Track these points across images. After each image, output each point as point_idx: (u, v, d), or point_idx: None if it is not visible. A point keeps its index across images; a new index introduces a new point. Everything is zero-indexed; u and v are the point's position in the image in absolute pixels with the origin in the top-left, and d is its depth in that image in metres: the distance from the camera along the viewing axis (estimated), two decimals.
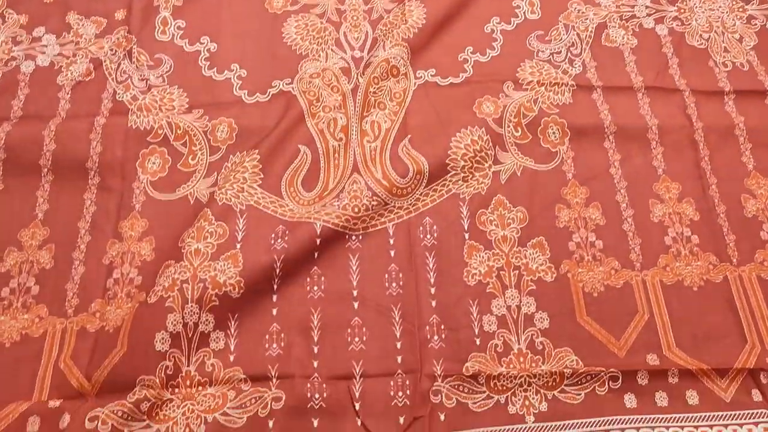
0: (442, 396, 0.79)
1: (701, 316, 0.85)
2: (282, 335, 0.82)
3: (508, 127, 0.97)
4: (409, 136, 0.94)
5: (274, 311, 0.83)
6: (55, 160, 0.92)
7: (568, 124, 0.97)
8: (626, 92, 1.01)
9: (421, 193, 0.91)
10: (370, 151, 0.93)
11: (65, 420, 0.75)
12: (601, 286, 0.86)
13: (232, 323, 0.82)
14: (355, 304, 0.84)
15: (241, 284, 0.81)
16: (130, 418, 0.75)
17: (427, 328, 0.83)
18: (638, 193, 0.93)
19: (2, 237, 0.88)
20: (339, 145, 0.93)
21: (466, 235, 0.89)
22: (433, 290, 0.85)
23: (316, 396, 0.78)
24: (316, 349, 0.81)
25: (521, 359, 0.81)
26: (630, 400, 0.80)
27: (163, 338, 0.78)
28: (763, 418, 0.79)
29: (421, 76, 1.00)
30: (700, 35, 1.07)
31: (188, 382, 0.78)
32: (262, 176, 0.90)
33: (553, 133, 0.97)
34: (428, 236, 0.89)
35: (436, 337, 0.82)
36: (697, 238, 0.90)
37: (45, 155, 0.92)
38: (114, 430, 0.74)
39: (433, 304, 0.84)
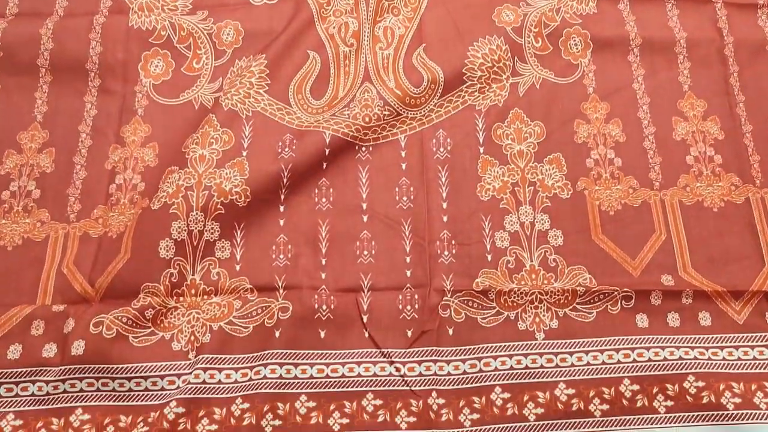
0: (451, 310, 0.77)
1: (719, 238, 0.82)
2: (289, 246, 0.80)
3: (528, 37, 0.92)
4: (423, 44, 0.90)
5: (282, 222, 0.81)
6: (53, 61, 0.88)
7: (591, 36, 0.92)
8: (655, 2, 0.95)
9: (436, 104, 0.87)
10: (383, 58, 0.89)
11: (70, 324, 0.74)
12: (618, 204, 0.84)
13: (238, 232, 0.80)
14: (364, 218, 0.82)
15: (248, 193, 0.79)
16: (134, 324, 0.74)
17: (438, 242, 0.80)
18: (661, 109, 0.89)
19: (1, 138, 0.85)
20: (350, 51, 0.89)
21: (481, 149, 0.86)
22: (444, 205, 0.83)
23: (324, 307, 0.77)
24: (323, 261, 0.79)
25: (533, 276, 0.79)
26: (642, 319, 0.78)
27: (167, 246, 0.76)
28: None
29: None
30: None
31: (193, 291, 0.77)
32: (269, 82, 0.86)
33: (575, 44, 0.92)
34: (441, 149, 0.85)
35: (446, 252, 0.80)
36: (720, 158, 0.87)
37: (42, 55, 0.88)
38: (118, 335, 0.73)
39: (445, 218, 0.82)
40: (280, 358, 0.74)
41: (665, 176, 0.86)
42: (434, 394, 0.74)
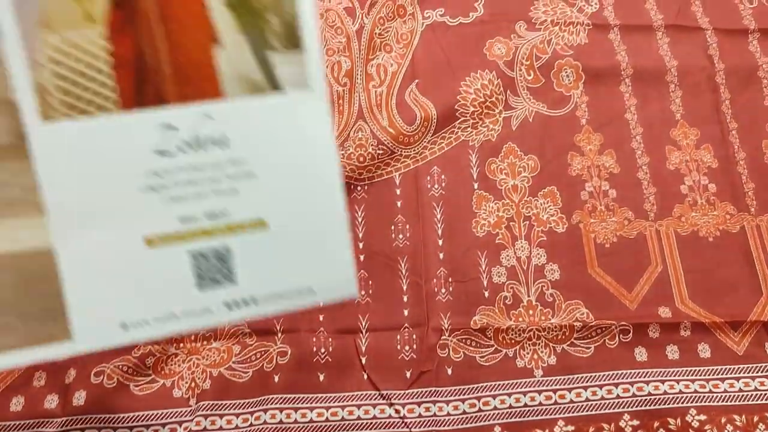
0: (449, 350, 0.78)
1: (716, 268, 0.83)
2: None
3: (520, 70, 0.93)
4: (416, 80, 0.91)
5: None
6: None
7: (582, 67, 0.93)
8: (645, 31, 0.96)
9: (429, 141, 0.88)
10: (376, 96, 0.90)
11: (71, 375, 0.75)
12: (614, 236, 0.84)
13: None
14: (361, 257, 0.82)
15: None
16: (135, 372, 0.75)
17: (435, 280, 0.81)
18: (654, 139, 0.90)
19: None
20: (343, 91, 0.90)
21: (476, 185, 0.86)
22: (440, 242, 0.83)
23: (322, 350, 0.77)
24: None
25: (531, 312, 0.80)
26: (640, 353, 0.78)
27: None
28: None
29: (429, 16, 0.96)
30: None
31: (193, 337, 0.77)
32: None
33: (567, 76, 0.93)
34: (436, 186, 0.86)
35: (443, 290, 0.80)
36: (714, 186, 0.87)
37: None
38: (119, 384, 0.74)
39: (441, 256, 0.82)
40: (280, 403, 0.75)
41: (660, 207, 0.86)
42: None
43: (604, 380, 0.77)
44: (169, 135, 0.49)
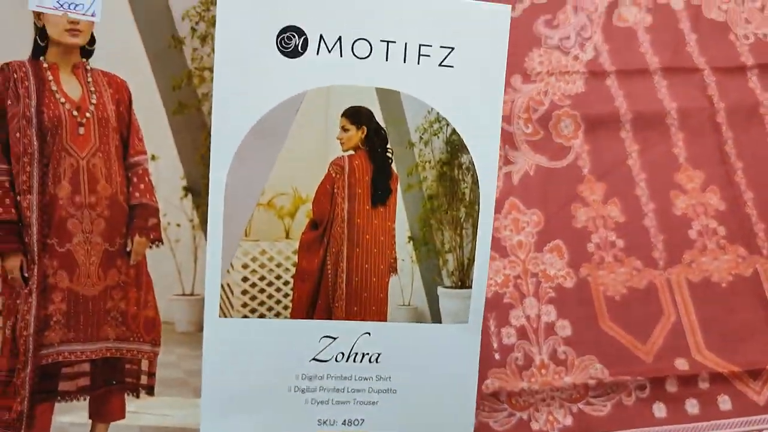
0: None
1: (731, 314, 0.81)
2: None
3: (518, 123, 0.92)
4: None
5: None
6: None
7: (581, 116, 0.93)
8: (642, 75, 0.96)
9: None
10: None
11: None
12: (624, 288, 0.83)
13: None
14: None
15: None
16: None
17: None
18: (659, 184, 0.89)
19: None
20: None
21: None
22: None
23: None
24: None
25: (543, 371, 0.78)
26: (659, 409, 0.77)
27: None
28: None
29: None
30: (719, 7, 1.01)
31: None
32: None
33: (566, 126, 0.93)
34: None
35: None
36: (723, 229, 0.86)
37: None
38: None
39: None
40: None
41: (669, 254, 0.85)
42: None
43: None
44: (329, 345, 0.53)
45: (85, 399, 0.66)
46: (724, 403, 0.77)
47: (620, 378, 0.77)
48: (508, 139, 0.91)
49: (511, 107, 0.93)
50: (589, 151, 0.91)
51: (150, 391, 0.65)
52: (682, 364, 0.78)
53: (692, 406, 0.77)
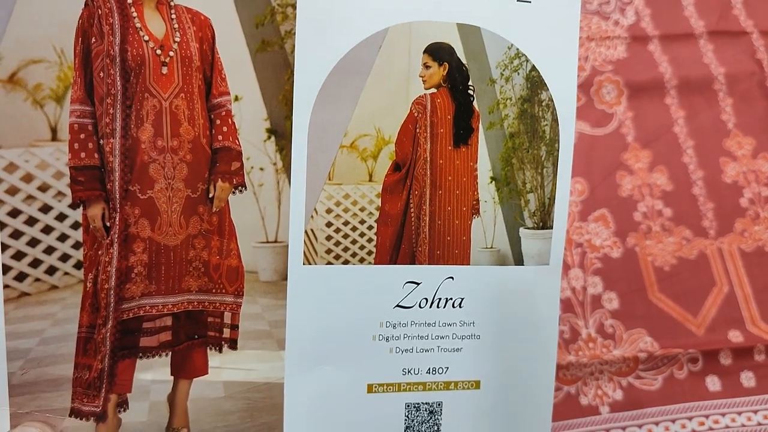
0: None
1: None
2: None
3: None
4: None
5: None
6: None
7: (624, 82, 0.89)
8: (687, 40, 0.92)
9: None
10: None
11: None
12: (673, 258, 0.79)
13: None
14: None
15: None
16: None
17: None
18: (707, 151, 0.85)
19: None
20: None
21: None
22: None
23: None
24: None
25: (590, 345, 0.75)
26: (713, 382, 0.74)
27: None
28: None
29: None
30: None
31: None
32: None
33: (608, 92, 0.89)
34: None
35: None
36: None
37: None
38: None
39: None
40: None
41: (720, 223, 0.81)
42: None
43: (676, 414, 0.72)
44: (413, 291, 0.53)
45: (167, 355, 0.63)
46: None
47: (671, 351, 0.74)
48: None
49: None
50: (633, 118, 0.88)
51: (233, 344, 0.62)
52: (736, 336, 0.75)
53: (748, 378, 0.74)
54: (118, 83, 0.60)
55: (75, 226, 0.62)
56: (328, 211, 0.58)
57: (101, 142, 0.60)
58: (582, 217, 0.82)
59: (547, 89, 0.60)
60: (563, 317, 0.77)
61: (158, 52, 0.61)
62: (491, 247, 0.56)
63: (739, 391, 0.73)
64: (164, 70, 0.61)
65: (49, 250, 0.62)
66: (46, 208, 0.61)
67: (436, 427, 0.53)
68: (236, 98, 0.62)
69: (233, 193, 0.62)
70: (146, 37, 0.61)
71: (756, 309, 0.76)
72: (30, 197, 0.60)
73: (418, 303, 0.52)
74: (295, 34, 0.56)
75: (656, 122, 0.87)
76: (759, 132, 0.86)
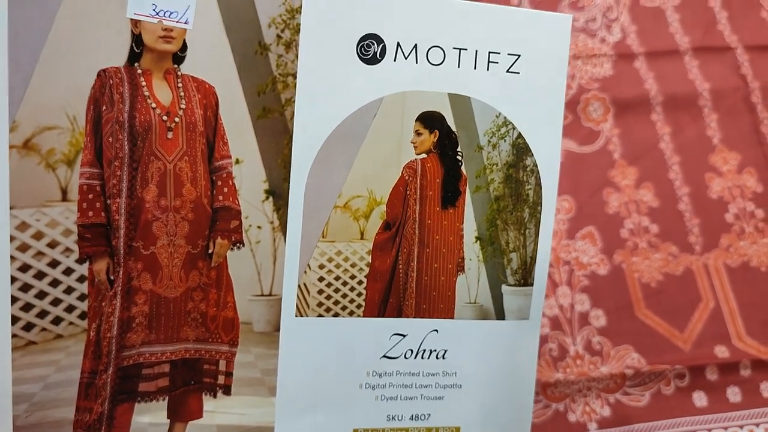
0: None
1: None
2: None
3: None
4: None
5: None
6: None
7: (610, 99, 0.90)
8: (672, 56, 0.93)
9: None
10: None
11: None
12: (660, 275, 0.81)
13: None
14: None
15: None
16: None
17: None
18: (693, 167, 0.86)
19: None
20: None
21: None
22: None
23: None
24: None
25: (578, 362, 0.77)
26: (699, 398, 0.75)
27: None
28: None
29: None
30: None
31: None
32: None
33: (595, 110, 0.90)
34: None
35: None
36: (762, 212, 0.83)
37: None
38: None
39: None
40: None
41: (705, 238, 0.82)
42: None
43: (664, 429, 0.73)
44: (399, 342, 0.56)
45: (164, 399, 0.66)
46: (767, 390, 0.74)
47: (658, 367, 0.75)
48: None
49: None
50: (620, 135, 0.89)
51: (227, 390, 0.66)
52: (722, 352, 0.76)
53: (734, 394, 0.75)
54: (126, 147, 0.63)
55: (81, 279, 0.65)
56: (321, 266, 0.61)
57: (108, 201, 0.63)
58: (569, 234, 0.83)
59: (532, 155, 0.63)
60: (551, 335, 0.78)
61: (164, 118, 0.64)
62: (474, 302, 0.59)
63: (726, 406, 0.74)
64: (170, 135, 0.64)
65: (56, 302, 0.64)
66: (54, 263, 0.64)
67: None
68: (237, 161, 0.66)
69: (231, 249, 0.65)
70: (153, 105, 0.64)
71: (741, 324, 0.77)
72: (40, 253, 0.63)
73: (403, 354, 0.55)
74: (294, 101, 0.59)
75: (642, 139, 0.89)
76: (744, 147, 0.87)
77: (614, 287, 0.80)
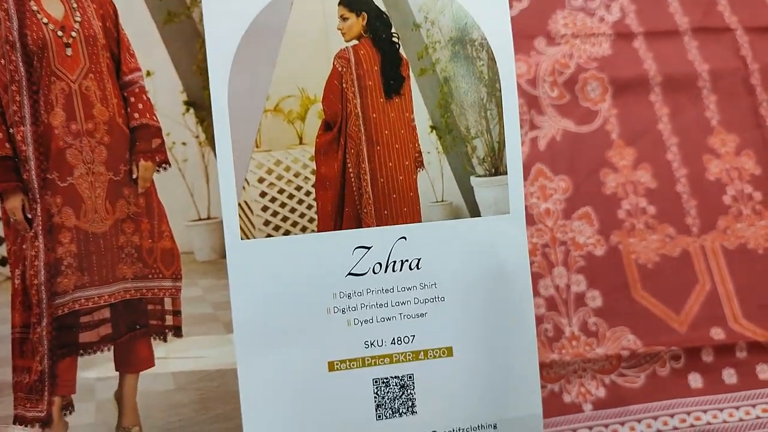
0: None
1: None
2: None
3: (543, 87, 0.89)
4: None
5: None
6: None
7: (608, 79, 0.89)
8: (671, 37, 0.92)
9: None
10: None
11: None
12: (656, 256, 0.80)
13: None
14: None
15: None
16: None
17: None
18: (691, 149, 0.86)
19: None
20: None
21: None
22: None
23: None
24: None
25: (574, 343, 0.76)
26: (695, 379, 0.74)
27: None
28: None
29: None
30: None
31: None
32: None
33: (593, 89, 0.89)
34: None
35: None
36: (759, 194, 0.83)
37: None
38: None
39: None
40: None
41: (703, 220, 0.82)
42: None
43: (659, 411, 0.73)
44: (364, 256, 0.49)
45: (109, 349, 0.61)
46: (763, 372, 0.74)
47: (654, 348, 0.74)
48: (533, 104, 0.88)
49: (536, 70, 0.89)
50: (618, 115, 0.88)
51: (177, 331, 0.60)
52: (718, 334, 0.75)
53: (730, 375, 0.74)
54: (21, 69, 0.58)
55: None
56: (260, 180, 0.55)
57: (11, 131, 0.58)
58: (566, 215, 0.82)
59: (478, 27, 0.57)
60: (547, 315, 0.77)
61: (59, 33, 0.59)
62: (442, 201, 0.53)
63: (721, 387, 0.74)
64: (68, 51, 0.59)
65: None
66: None
67: (410, 403, 0.49)
68: (148, 73, 0.61)
69: (157, 171, 0.60)
70: (45, 20, 0.59)
71: (738, 306, 0.77)
72: None
73: (371, 268, 0.48)
74: (201, 1, 0.54)
75: (640, 120, 0.88)
76: (742, 129, 0.86)
77: (611, 268, 0.79)
